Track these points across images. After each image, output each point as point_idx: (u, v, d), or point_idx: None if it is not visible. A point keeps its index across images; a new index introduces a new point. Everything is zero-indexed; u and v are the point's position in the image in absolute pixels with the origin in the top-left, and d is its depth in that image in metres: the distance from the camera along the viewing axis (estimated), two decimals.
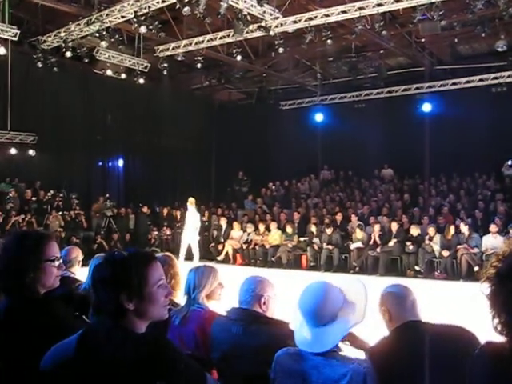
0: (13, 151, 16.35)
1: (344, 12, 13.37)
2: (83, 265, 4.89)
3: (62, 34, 15.16)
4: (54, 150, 18.06)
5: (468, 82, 18.14)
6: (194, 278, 3.41)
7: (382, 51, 17.17)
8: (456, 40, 16.14)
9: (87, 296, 3.36)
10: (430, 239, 13.52)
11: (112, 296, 1.91)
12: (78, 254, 4.91)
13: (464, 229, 13.38)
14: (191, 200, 14.58)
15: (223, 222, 17.38)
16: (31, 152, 16.68)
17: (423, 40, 16.10)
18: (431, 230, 13.64)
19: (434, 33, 13.23)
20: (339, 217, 16.21)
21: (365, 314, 2.40)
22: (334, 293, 2.37)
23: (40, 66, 16.08)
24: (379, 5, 12.84)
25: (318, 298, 2.35)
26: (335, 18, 13.65)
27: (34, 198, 16.60)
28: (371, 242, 14.28)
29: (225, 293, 3.55)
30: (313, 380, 2.27)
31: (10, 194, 15.88)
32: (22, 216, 15.33)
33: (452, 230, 13.61)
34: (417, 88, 19.18)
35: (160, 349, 1.89)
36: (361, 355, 2.39)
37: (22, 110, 16.71)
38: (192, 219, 14.34)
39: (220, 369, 3.00)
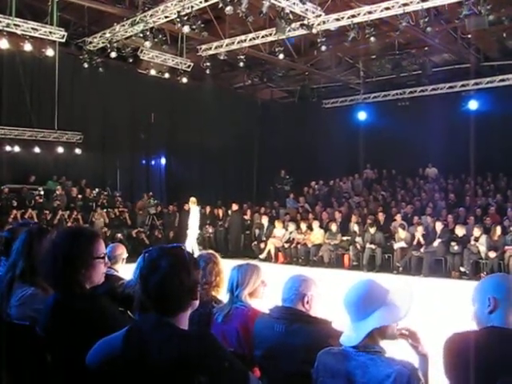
0: (60, 150, 16.73)
1: (387, 9, 13.19)
2: (128, 261, 4.98)
3: (107, 35, 15.46)
4: (99, 149, 18.46)
5: None
6: (237, 275, 3.42)
7: (426, 48, 16.89)
8: (504, 35, 15.74)
9: (131, 293, 3.42)
10: (476, 240, 13.20)
11: (192, 288, 2.02)
12: (122, 251, 4.98)
13: None
14: (193, 199, 14.90)
15: (265, 220, 17.40)
16: (77, 151, 17.05)
17: (469, 36, 15.70)
18: (477, 231, 13.32)
19: (481, 28, 12.92)
20: (381, 216, 16.02)
21: (407, 313, 2.36)
22: (378, 290, 2.35)
23: (86, 66, 16.45)
24: (423, 0, 12.62)
25: (360, 293, 2.35)
26: (378, 15, 13.49)
27: (79, 196, 17.01)
28: (415, 242, 14.06)
29: (267, 291, 3.55)
30: (357, 380, 2.24)
31: (57, 192, 16.31)
32: (68, 212, 15.72)
33: (499, 230, 13.24)
34: (462, 85, 18.78)
35: (205, 346, 1.90)
36: (410, 356, 2.34)
37: (69, 110, 17.12)
38: (194, 218, 14.68)
39: (262, 367, 3.00)
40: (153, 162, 21.11)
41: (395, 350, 2.36)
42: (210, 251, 3.91)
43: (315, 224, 16.10)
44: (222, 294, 3.69)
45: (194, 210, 15.08)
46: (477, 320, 2.31)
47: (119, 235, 15.82)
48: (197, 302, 2.06)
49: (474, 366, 2.12)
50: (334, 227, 15.66)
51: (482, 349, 2.12)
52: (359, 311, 2.31)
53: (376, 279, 2.44)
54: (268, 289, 3.54)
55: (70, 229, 2.81)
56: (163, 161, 21.27)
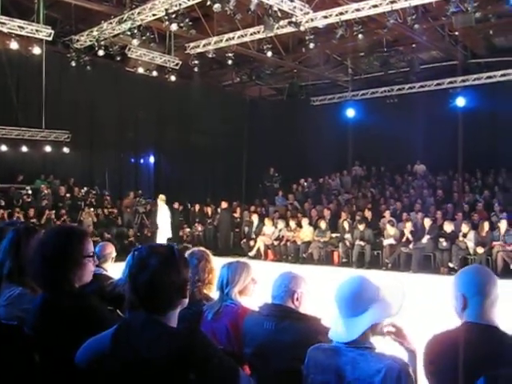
0: (47, 149, 16.64)
1: (375, 6, 13.23)
2: (116, 260, 4.96)
3: (95, 33, 15.38)
4: (88, 148, 18.41)
5: (504, 75, 17.79)
6: (227, 273, 3.41)
7: (414, 45, 16.95)
8: (491, 32, 15.84)
9: (120, 292, 3.40)
10: (464, 236, 13.29)
11: (182, 287, 2.00)
12: (111, 250, 4.97)
13: (501, 225, 13.12)
14: (162, 197, 14.74)
15: (254, 218, 17.42)
16: (65, 149, 16.97)
17: (457, 33, 15.77)
18: (465, 227, 13.41)
19: (468, 25, 12.99)
20: (370, 213, 16.08)
21: (399, 309, 2.37)
22: (370, 287, 2.36)
23: (73, 64, 16.37)
24: None
25: (353, 289, 2.35)
26: (366, 13, 13.53)
27: (68, 195, 16.91)
28: (404, 239, 14.13)
29: (256, 289, 3.55)
30: (347, 375, 2.25)
31: (45, 191, 16.20)
32: (54, 212, 15.61)
33: (486, 226, 13.33)
34: (450, 82, 18.89)
35: (195, 343, 1.90)
36: (399, 352, 2.35)
37: (57, 109, 17.01)
38: (164, 217, 14.52)
39: (252, 364, 3.00)
40: (141, 161, 21.07)
41: (385, 345, 2.37)
42: (202, 248, 3.89)
43: (304, 221, 16.13)
44: (214, 292, 3.69)
45: (162, 208, 14.74)
46: (456, 315, 2.33)
47: (107, 234, 15.72)
48: (186, 300, 2.05)
49: (452, 364, 2.13)
50: (323, 224, 15.70)
51: (458, 346, 2.13)
52: (352, 307, 2.31)
53: (366, 276, 2.45)
54: (258, 286, 3.54)
55: (60, 228, 2.80)
56: (152, 159, 21.23)
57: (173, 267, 1.96)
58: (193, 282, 3.33)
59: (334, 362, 2.30)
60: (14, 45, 14.33)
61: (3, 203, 14.98)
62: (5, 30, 13.83)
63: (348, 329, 2.29)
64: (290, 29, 14.47)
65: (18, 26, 14.01)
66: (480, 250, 12.87)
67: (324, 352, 2.37)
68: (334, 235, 15.62)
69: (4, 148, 16.00)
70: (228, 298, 3.35)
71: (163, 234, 14.68)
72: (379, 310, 2.31)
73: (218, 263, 3.67)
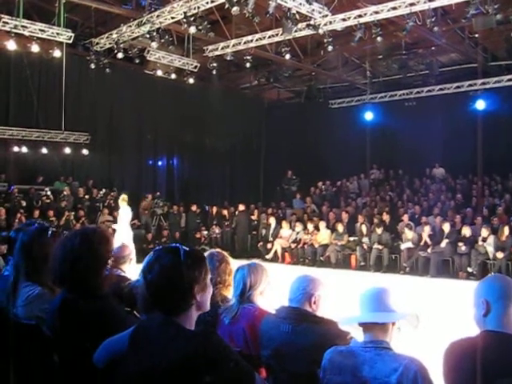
0: (67, 150, 16.81)
1: (394, 8, 13.15)
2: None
3: (114, 36, 15.50)
4: (107, 150, 18.57)
5: None
6: (248, 275, 3.37)
7: (433, 48, 16.82)
8: None
9: (136, 293, 3.42)
10: (484, 240, 13.14)
11: (187, 288, 1.96)
12: (130, 252, 5.00)
13: None
14: (124, 197, 14.24)
15: (272, 220, 17.39)
16: (84, 151, 17.12)
17: (477, 35, 15.62)
18: (484, 231, 13.26)
19: (488, 27, 12.86)
20: (388, 216, 15.97)
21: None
22: (393, 296, 2.47)
23: (93, 67, 16.48)
24: (430, 0, 12.58)
25: (381, 290, 2.46)
26: (385, 15, 13.45)
27: (86, 196, 17.04)
28: (422, 243, 14.01)
29: (272, 291, 3.53)
30: (363, 375, 2.26)
31: (64, 193, 16.36)
32: (73, 213, 15.71)
33: (507, 230, 13.16)
34: (470, 85, 18.68)
35: (211, 346, 1.90)
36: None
37: (76, 111, 17.19)
38: (125, 216, 13.97)
39: (269, 366, 3.00)
40: (160, 163, 21.16)
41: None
42: (220, 250, 3.88)
43: (322, 224, 16.08)
44: (232, 293, 3.69)
45: (123, 208, 14.04)
46: (476, 324, 2.28)
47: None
48: (204, 303, 2.04)
49: (470, 372, 2.10)
50: (340, 227, 15.64)
51: (477, 355, 2.10)
52: (376, 302, 2.39)
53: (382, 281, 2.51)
54: (273, 289, 3.53)
55: (85, 229, 2.81)
56: (170, 161, 21.31)
57: (176, 269, 1.95)
58: (213, 284, 3.31)
59: (350, 363, 2.30)
60: (34, 48, 14.49)
61: (24, 204, 15.15)
62: (26, 33, 14.00)
63: (374, 317, 2.38)
64: (308, 31, 14.44)
65: (39, 30, 14.18)
66: (500, 254, 12.70)
67: (341, 353, 2.38)
68: (351, 238, 15.55)
69: (24, 149, 16.20)
70: (247, 301, 3.34)
71: (121, 235, 13.21)
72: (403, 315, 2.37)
73: (235, 266, 3.67)
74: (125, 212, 14.03)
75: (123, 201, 14.12)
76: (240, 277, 3.41)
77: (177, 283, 1.95)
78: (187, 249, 2.03)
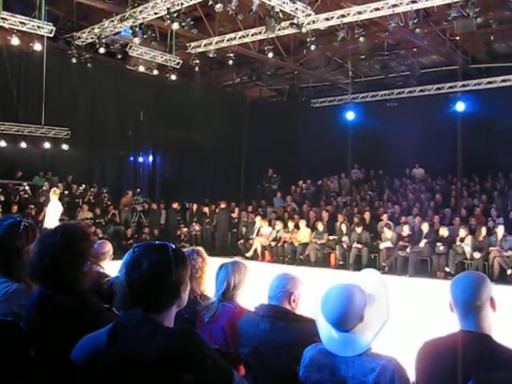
0: (46, 145, 16.66)
1: (377, 9, 13.25)
2: (114, 258, 4.96)
3: (96, 31, 15.38)
4: (87, 145, 18.41)
5: (504, 80, 17.82)
6: (232, 274, 3.37)
7: (415, 49, 16.98)
8: (492, 38, 15.89)
9: (116, 290, 3.41)
10: (461, 240, 13.31)
11: (176, 286, 1.97)
12: (110, 249, 4.96)
13: (498, 230, 13.13)
14: (55, 190, 13.53)
15: (257, 219, 17.34)
16: (64, 146, 16.97)
17: (458, 38, 15.80)
18: (462, 232, 13.43)
19: (469, 30, 13.01)
20: (368, 216, 16.07)
21: (389, 309, 2.38)
22: (358, 295, 2.34)
23: (74, 61, 16.36)
24: (413, 2, 12.71)
25: (343, 305, 2.30)
26: (368, 16, 13.55)
27: (66, 192, 16.86)
28: (401, 242, 14.13)
29: (251, 289, 3.54)
30: (341, 374, 2.27)
31: (44, 188, 16.19)
32: None
33: (484, 231, 13.34)
34: (450, 87, 18.91)
35: (189, 344, 1.90)
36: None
37: (56, 105, 17.01)
38: (55, 211, 13.17)
39: (248, 364, 3.00)
40: (141, 159, 21.05)
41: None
42: (198, 247, 3.89)
43: (302, 223, 16.14)
44: (207, 290, 3.70)
45: (54, 202, 13.24)
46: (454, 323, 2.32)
47: (100, 232, 15.51)
48: (183, 300, 2.05)
49: (443, 371, 2.15)
50: (320, 226, 15.71)
51: (450, 354, 2.14)
52: (344, 323, 2.30)
53: (347, 281, 2.43)
54: (253, 287, 3.54)
55: (64, 226, 2.78)
56: (151, 158, 21.22)
57: (165, 267, 1.95)
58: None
59: (328, 362, 2.32)
60: (15, 40, 14.35)
61: (2, 199, 14.97)
62: (6, 25, 13.84)
63: (348, 343, 2.30)
64: (291, 30, 14.49)
65: (20, 22, 14.02)
66: (477, 255, 12.88)
67: (320, 351, 2.39)
68: (331, 237, 15.61)
69: (3, 144, 16.00)
70: (229, 300, 3.35)
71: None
72: (374, 318, 2.32)
73: (215, 263, 3.67)
74: (55, 206, 13.27)
75: (54, 194, 13.35)
76: (223, 275, 3.40)
77: (167, 281, 1.94)
78: (174, 246, 2.03)
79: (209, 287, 3.75)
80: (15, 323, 2.44)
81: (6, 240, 2.89)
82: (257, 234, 16.66)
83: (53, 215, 13.10)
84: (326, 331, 2.38)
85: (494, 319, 2.29)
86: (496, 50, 17.81)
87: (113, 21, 14.72)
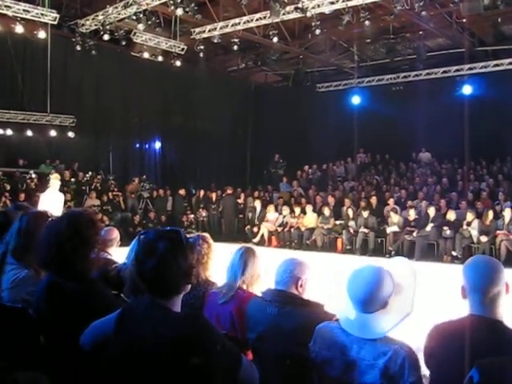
0: (52, 133, 16.66)
1: None
2: (121, 245, 4.99)
3: (100, 17, 15.31)
4: (93, 132, 18.40)
5: (511, 63, 17.63)
6: (245, 260, 3.42)
7: (421, 32, 16.81)
8: (499, 20, 15.69)
9: (124, 276, 3.43)
10: (468, 224, 13.27)
11: (189, 272, 2.00)
12: (117, 235, 4.99)
13: (505, 214, 13.07)
14: (57, 176, 12.60)
15: (258, 204, 17.39)
16: (70, 134, 16.96)
17: (464, 20, 15.62)
18: (469, 215, 13.39)
19: (476, 12, 12.88)
20: (374, 200, 16.04)
21: (413, 303, 2.36)
22: (387, 281, 2.33)
23: (79, 49, 16.32)
24: None
25: (371, 286, 2.30)
26: None
27: (72, 179, 16.91)
28: (407, 227, 14.11)
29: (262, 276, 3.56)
30: (351, 354, 2.27)
31: (50, 175, 16.20)
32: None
33: (491, 215, 13.29)
34: (457, 70, 18.74)
35: (198, 328, 1.91)
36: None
37: (62, 93, 17.00)
38: (56, 197, 11.83)
39: (255, 349, 3.02)
40: (147, 146, 21.04)
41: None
42: (205, 234, 3.91)
43: (308, 208, 16.13)
44: (212, 276, 3.72)
45: (53, 191, 11.96)
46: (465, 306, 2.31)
47: (107, 219, 15.54)
48: (189, 286, 2.06)
49: (452, 355, 2.14)
50: (327, 211, 15.70)
51: (460, 338, 2.13)
52: (368, 304, 2.30)
53: (380, 265, 2.40)
54: (262, 272, 3.56)
55: (72, 212, 2.79)
56: (157, 144, 21.21)
57: (180, 252, 1.96)
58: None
59: (340, 341, 2.33)
60: (19, 28, 14.29)
61: (9, 187, 15.01)
62: (10, 13, 13.79)
63: (366, 325, 2.29)
64: (296, 14, 14.36)
65: (23, 10, 13.97)
66: (484, 238, 12.85)
67: (332, 329, 2.40)
68: (337, 222, 15.61)
69: (9, 132, 16.02)
70: (241, 286, 3.37)
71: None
72: (397, 307, 2.31)
73: (222, 249, 3.68)
74: (55, 197, 11.90)
75: (55, 179, 12.21)
76: (236, 260, 3.44)
77: (182, 266, 1.96)
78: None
79: (213, 273, 3.78)
80: (24, 310, 2.46)
81: (31, 227, 2.91)
82: (262, 219, 16.64)
83: (53, 207, 12.22)
84: (346, 309, 2.38)
85: (506, 304, 2.28)
86: (503, 32, 17.57)
87: (116, 7, 14.63)
